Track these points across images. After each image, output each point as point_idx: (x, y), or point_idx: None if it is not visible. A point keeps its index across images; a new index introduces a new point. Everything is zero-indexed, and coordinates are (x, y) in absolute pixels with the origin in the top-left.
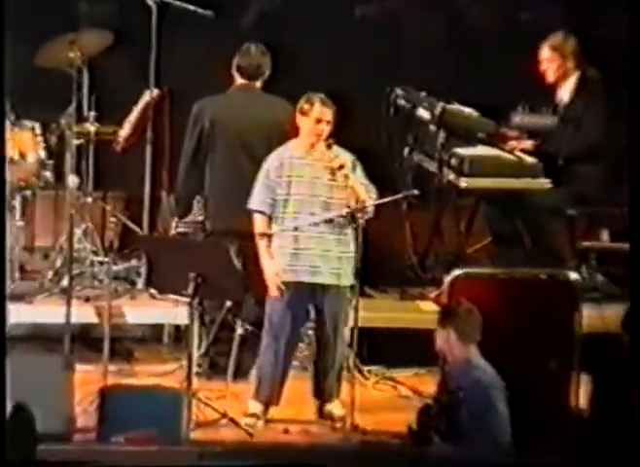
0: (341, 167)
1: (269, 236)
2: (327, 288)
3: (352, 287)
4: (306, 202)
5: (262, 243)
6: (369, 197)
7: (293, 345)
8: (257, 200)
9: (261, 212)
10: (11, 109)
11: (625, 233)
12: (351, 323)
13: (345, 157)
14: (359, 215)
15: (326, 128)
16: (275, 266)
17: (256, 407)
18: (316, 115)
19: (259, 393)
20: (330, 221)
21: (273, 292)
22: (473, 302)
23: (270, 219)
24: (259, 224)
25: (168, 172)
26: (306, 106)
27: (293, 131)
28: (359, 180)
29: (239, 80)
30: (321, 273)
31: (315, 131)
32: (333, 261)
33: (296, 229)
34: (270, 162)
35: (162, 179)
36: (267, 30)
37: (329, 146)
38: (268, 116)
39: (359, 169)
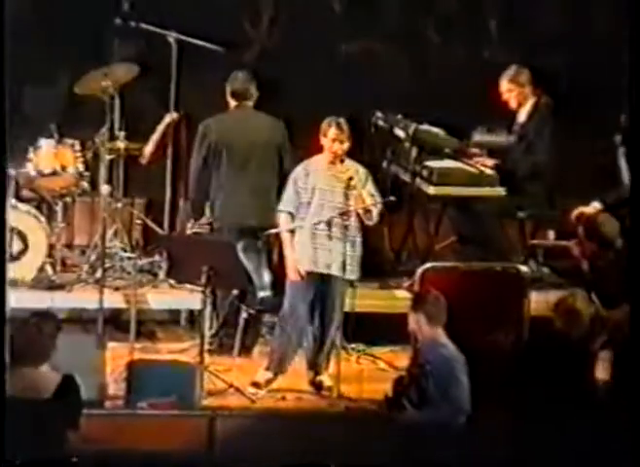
0: (351, 179)
1: (292, 232)
2: (335, 279)
3: (352, 280)
4: (325, 207)
5: (286, 237)
6: (374, 205)
7: (305, 323)
8: (286, 203)
9: (288, 213)
10: (56, 129)
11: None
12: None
13: (359, 170)
14: (366, 220)
15: (341, 146)
16: (296, 256)
17: (264, 375)
18: (332, 136)
19: (272, 363)
20: (342, 223)
21: (292, 277)
22: (439, 290)
23: (293, 218)
24: (285, 222)
25: (185, 182)
26: (325, 128)
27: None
28: (368, 190)
29: (233, 102)
30: (332, 266)
31: (332, 149)
32: (342, 257)
33: (316, 225)
34: (298, 173)
35: (180, 188)
36: (267, 63)
37: (341, 161)
38: (263, 130)
39: (370, 182)
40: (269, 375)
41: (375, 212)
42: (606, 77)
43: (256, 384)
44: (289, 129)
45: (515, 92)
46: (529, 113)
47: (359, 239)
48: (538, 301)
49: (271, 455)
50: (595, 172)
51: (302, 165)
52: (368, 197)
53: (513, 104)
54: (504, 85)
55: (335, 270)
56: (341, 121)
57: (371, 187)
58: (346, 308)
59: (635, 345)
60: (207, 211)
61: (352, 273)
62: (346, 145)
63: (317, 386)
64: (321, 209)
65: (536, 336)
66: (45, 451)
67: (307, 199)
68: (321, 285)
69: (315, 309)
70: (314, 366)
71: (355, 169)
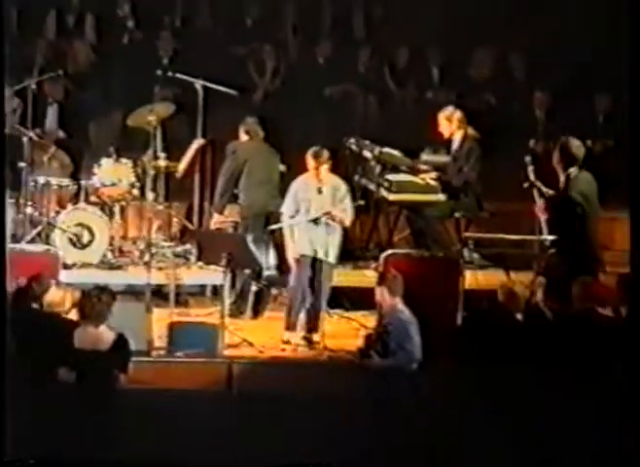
0: (336, 191)
1: (291, 229)
2: (321, 262)
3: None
4: (314, 209)
5: (287, 232)
6: (345, 213)
7: (305, 292)
8: (287, 208)
9: (290, 216)
10: (114, 151)
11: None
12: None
13: (342, 187)
14: (340, 222)
15: (321, 168)
16: (293, 245)
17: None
18: (314, 159)
19: (289, 322)
20: (325, 221)
21: (291, 259)
22: (397, 270)
23: (291, 218)
24: (286, 222)
25: (210, 191)
26: (311, 154)
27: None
28: (345, 200)
29: (245, 137)
30: (319, 252)
31: (315, 169)
32: (325, 245)
33: (308, 223)
34: (297, 184)
35: (205, 195)
36: (269, 103)
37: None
38: (269, 156)
39: (348, 196)
40: (290, 333)
41: (348, 220)
42: (519, 113)
43: (286, 342)
44: (286, 153)
45: (449, 126)
46: (460, 142)
47: (338, 233)
48: (469, 278)
49: (275, 392)
50: (511, 184)
51: (300, 179)
52: (342, 204)
53: (446, 135)
54: (441, 121)
55: (320, 255)
56: (320, 150)
57: (348, 201)
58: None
59: (635, 346)
60: (226, 212)
61: (333, 258)
62: (325, 166)
63: (309, 341)
64: (311, 211)
65: (468, 302)
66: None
67: (302, 205)
68: (312, 266)
69: (310, 285)
70: (309, 326)
71: (339, 184)
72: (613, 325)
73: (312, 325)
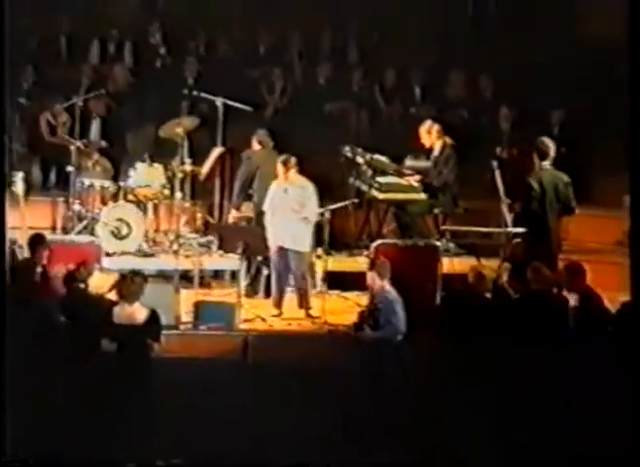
0: (304, 191)
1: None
2: (293, 251)
3: (304, 253)
4: (281, 208)
5: (267, 226)
6: (312, 212)
7: (285, 277)
8: (267, 206)
9: (271, 214)
10: (148, 158)
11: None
12: (322, 269)
13: (310, 187)
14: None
15: (289, 172)
16: (270, 236)
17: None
18: (283, 166)
19: (275, 302)
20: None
21: (272, 252)
22: (386, 257)
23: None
24: (267, 218)
25: (228, 191)
26: (280, 161)
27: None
28: (312, 198)
29: (258, 146)
30: (291, 243)
31: (284, 173)
32: (298, 237)
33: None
34: (273, 188)
35: (225, 194)
36: (278, 118)
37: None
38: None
39: (315, 196)
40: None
41: (312, 221)
42: (488, 126)
43: (275, 316)
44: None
45: (429, 137)
46: (440, 149)
47: (310, 227)
48: (445, 264)
49: (284, 359)
50: (480, 185)
51: (274, 184)
52: (308, 202)
53: (427, 145)
54: (423, 134)
55: (291, 246)
56: (288, 158)
57: (314, 199)
58: (329, 268)
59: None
60: (242, 209)
61: (303, 248)
62: (292, 170)
63: (311, 316)
64: (278, 209)
65: (446, 285)
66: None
67: (278, 202)
68: (286, 256)
69: (289, 270)
70: (302, 305)
71: (306, 185)
72: (564, 303)
73: (301, 303)
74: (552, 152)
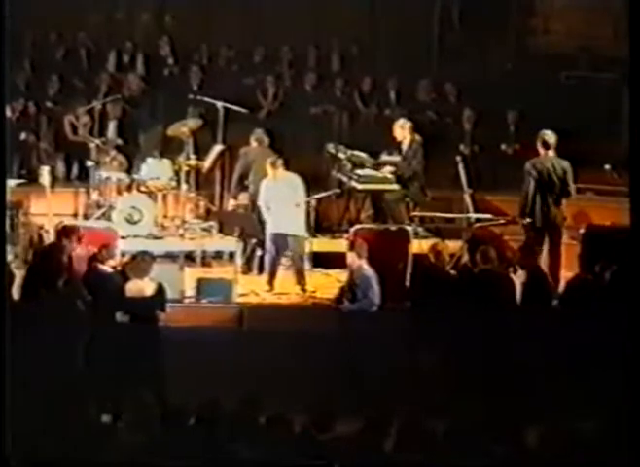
0: (295, 185)
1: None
2: (290, 236)
3: (302, 237)
4: (280, 199)
5: (266, 218)
6: (300, 199)
7: (278, 258)
8: (261, 199)
9: (266, 207)
10: (158, 154)
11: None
12: (309, 250)
13: (294, 178)
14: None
15: (277, 170)
16: (269, 225)
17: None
18: (271, 166)
19: (267, 279)
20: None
21: (268, 236)
22: (363, 240)
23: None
24: (263, 210)
25: (227, 183)
26: (269, 163)
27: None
28: (300, 190)
29: (254, 143)
30: (287, 228)
31: (273, 170)
32: (294, 223)
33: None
34: (265, 183)
35: (224, 185)
36: (271, 119)
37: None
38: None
39: (302, 189)
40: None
41: (303, 207)
42: (452, 125)
43: (267, 291)
44: (284, 156)
45: (401, 132)
46: (409, 145)
47: (302, 212)
48: (416, 245)
49: (275, 328)
50: (446, 177)
51: (265, 180)
52: (296, 195)
53: (399, 138)
54: (396, 129)
55: (289, 231)
56: (276, 160)
57: (302, 192)
58: (314, 249)
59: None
60: (240, 198)
61: (300, 232)
62: (280, 169)
63: (302, 290)
64: (279, 200)
65: (415, 262)
66: None
67: (271, 196)
68: (283, 239)
69: (284, 251)
70: (299, 281)
71: (293, 178)
72: (509, 281)
73: (299, 281)
74: (554, 141)
